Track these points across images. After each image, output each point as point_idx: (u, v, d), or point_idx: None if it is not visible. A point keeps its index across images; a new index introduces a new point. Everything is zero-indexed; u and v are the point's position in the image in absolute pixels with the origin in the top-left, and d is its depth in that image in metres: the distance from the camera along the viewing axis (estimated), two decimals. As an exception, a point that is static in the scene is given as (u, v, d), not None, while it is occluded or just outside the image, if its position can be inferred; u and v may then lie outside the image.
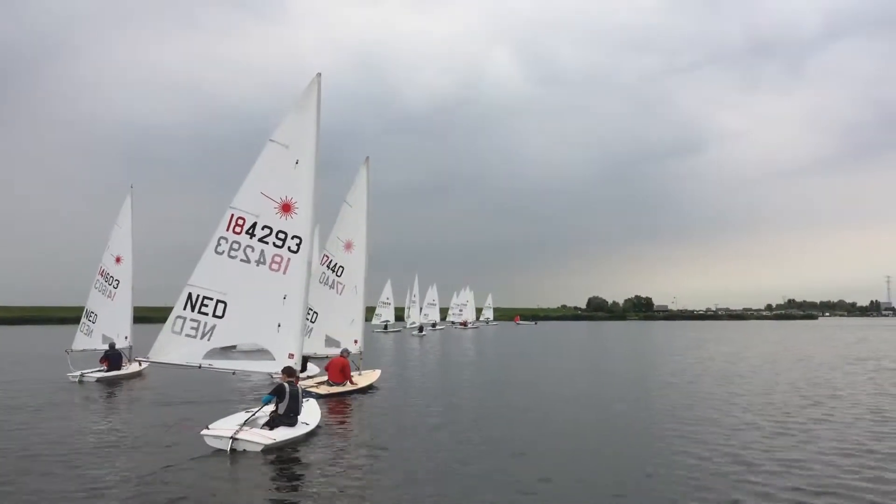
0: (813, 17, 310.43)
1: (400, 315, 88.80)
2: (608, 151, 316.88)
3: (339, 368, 20.92)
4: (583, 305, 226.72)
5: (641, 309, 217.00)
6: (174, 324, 14.09)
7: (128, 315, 28.33)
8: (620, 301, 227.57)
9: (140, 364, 14.18)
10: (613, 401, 19.91)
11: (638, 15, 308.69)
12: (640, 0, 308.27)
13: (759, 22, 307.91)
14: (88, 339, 27.60)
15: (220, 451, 12.23)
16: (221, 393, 20.70)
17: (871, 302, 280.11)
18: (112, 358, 26.10)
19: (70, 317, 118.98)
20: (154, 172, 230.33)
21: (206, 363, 14.29)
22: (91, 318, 27.82)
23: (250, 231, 14.81)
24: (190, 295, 14.22)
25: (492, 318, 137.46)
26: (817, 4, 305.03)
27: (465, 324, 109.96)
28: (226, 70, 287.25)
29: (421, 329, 77.99)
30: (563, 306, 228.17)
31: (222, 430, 12.67)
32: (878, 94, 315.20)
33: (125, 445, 13.27)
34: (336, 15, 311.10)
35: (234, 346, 19.22)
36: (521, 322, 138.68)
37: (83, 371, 24.76)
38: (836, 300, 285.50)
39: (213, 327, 14.34)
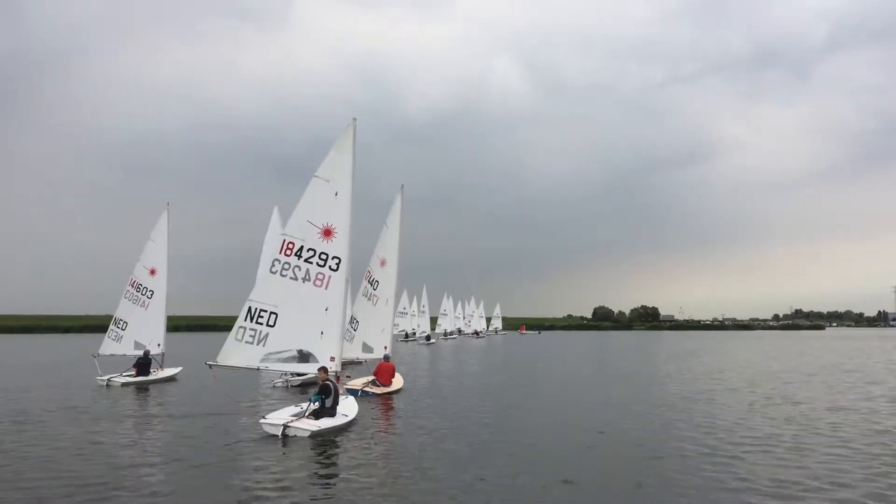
0: (818, 26, 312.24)
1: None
2: (613, 161, 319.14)
3: (389, 372, 24.34)
4: (589, 315, 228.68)
5: (648, 319, 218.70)
6: (237, 333, 16.81)
7: (161, 324, 30.59)
8: (626, 311, 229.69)
9: (210, 367, 16.73)
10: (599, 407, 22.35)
11: (641, 24, 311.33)
12: (642, 9, 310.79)
13: (763, 31, 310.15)
14: (117, 345, 29.73)
15: (273, 436, 14.89)
16: (242, 395, 23.17)
17: (879, 312, 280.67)
18: (142, 365, 28.46)
19: (75, 325, 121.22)
20: (152, 180, 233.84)
21: (262, 365, 17.08)
22: (120, 326, 29.92)
23: (298, 253, 17.51)
24: (249, 308, 16.99)
25: (500, 327, 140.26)
26: (823, 14, 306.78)
27: (477, 333, 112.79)
28: (225, 78, 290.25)
29: (428, 338, 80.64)
30: (570, 316, 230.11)
31: (276, 419, 15.42)
32: (884, 104, 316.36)
33: (187, 432, 15.89)
34: (336, 25, 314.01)
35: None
36: (525, 332, 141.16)
37: (111, 375, 27.17)
38: (843, 310, 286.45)
39: (267, 335, 17.04)
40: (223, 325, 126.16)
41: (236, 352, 16.72)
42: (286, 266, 17.40)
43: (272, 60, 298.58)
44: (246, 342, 16.82)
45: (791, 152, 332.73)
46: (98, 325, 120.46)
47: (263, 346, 16.96)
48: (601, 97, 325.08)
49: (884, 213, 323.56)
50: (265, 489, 10.74)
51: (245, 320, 16.92)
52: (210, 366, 16.65)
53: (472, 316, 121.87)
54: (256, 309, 17.02)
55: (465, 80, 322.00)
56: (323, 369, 16.85)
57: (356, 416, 17.20)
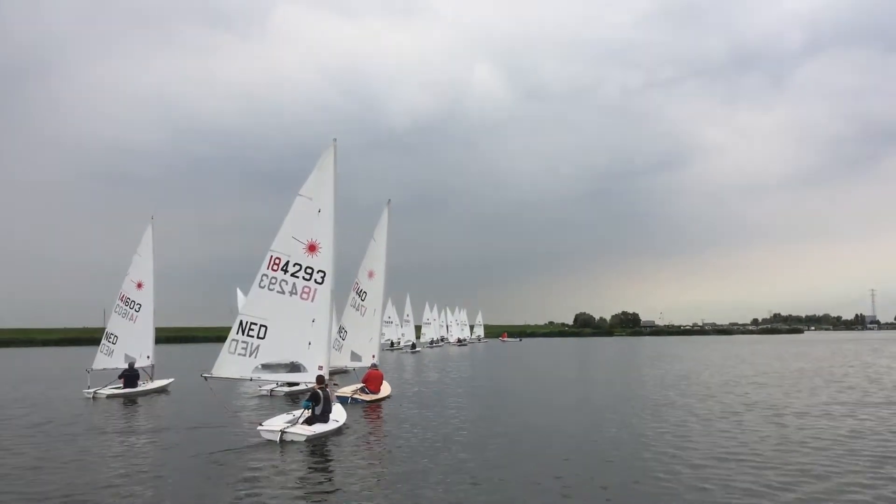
0: (794, 30, 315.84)
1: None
2: (593, 166, 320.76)
3: (378, 380, 25.34)
4: (570, 322, 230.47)
5: (628, 325, 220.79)
6: (230, 345, 17.71)
7: (150, 336, 30.98)
8: (607, 317, 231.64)
9: (206, 379, 17.61)
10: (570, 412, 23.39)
11: (619, 29, 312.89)
12: (621, 15, 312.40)
13: (740, 36, 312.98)
14: (109, 359, 29.93)
15: (271, 442, 15.86)
16: (232, 404, 24.16)
17: (856, 315, 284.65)
18: (128, 377, 28.76)
19: (52, 338, 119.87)
20: (131, 190, 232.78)
21: (254, 376, 18.04)
22: (111, 340, 30.21)
23: (284, 268, 18.44)
24: (241, 322, 17.92)
25: (482, 335, 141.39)
26: (799, 18, 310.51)
27: (460, 341, 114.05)
28: (206, 88, 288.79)
29: (413, 347, 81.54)
30: (551, 323, 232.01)
31: (273, 425, 16.39)
32: (861, 107, 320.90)
33: (184, 440, 16.74)
34: (316, 32, 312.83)
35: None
36: (507, 339, 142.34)
37: (96, 389, 27.44)
38: (821, 314, 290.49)
39: (258, 347, 17.95)
40: (202, 336, 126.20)
41: (229, 363, 17.62)
42: (273, 280, 18.32)
43: (252, 68, 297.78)
44: (238, 354, 17.71)
45: (769, 156, 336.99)
46: (76, 339, 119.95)
47: (255, 357, 17.86)
48: (581, 102, 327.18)
49: (862, 216, 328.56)
50: (269, 490, 11.58)
51: (237, 333, 17.82)
52: (206, 378, 17.50)
53: (452, 324, 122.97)
54: (247, 322, 17.93)
55: (445, 87, 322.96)
56: (318, 379, 17.84)
57: (345, 421, 18.16)
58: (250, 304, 18.19)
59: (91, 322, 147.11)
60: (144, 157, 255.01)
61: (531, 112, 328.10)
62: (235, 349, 17.70)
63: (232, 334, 17.78)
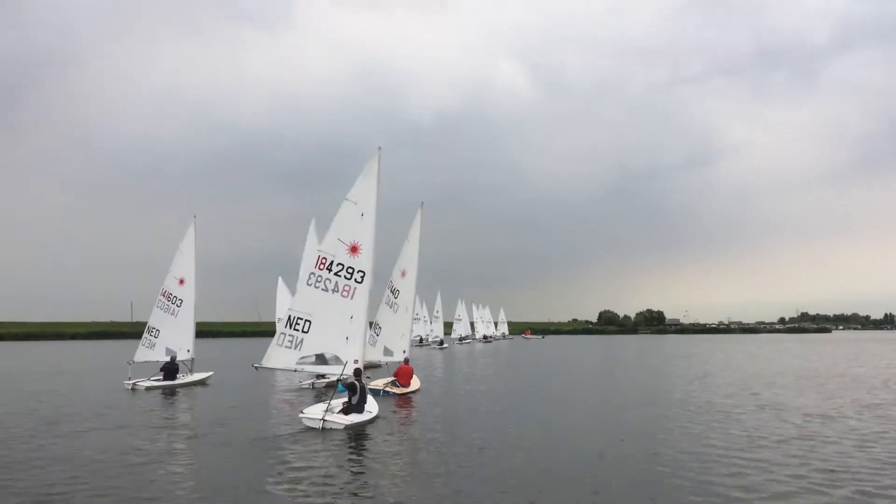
0: (824, 26, 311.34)
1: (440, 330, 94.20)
2: (619, 162, 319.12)
3: (408, 374, 26.73)
4: (594, 319, 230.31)
5: (653, 323, 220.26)
6: (278, 338, 19.17)
7: (191, 330, 32.37)
8: (632, 315, 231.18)
9: (256, 369, 19.04)
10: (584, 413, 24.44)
11: (645, 25, 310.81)
12: (646, 9, 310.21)
13: (768, 31, 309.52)
14: (151, 352, 31.27)
15: (313, 429, 17.21)
16: (271, 395, 25.73)
17: (886, 315, 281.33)
18: (169, 370, 30.14)
19: (81, 332, 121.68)
20: (153, 184, 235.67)
21: (298, 367, 19.48)
22: (153, 334, 31.49)
23: (329, 267, 19.82)
24: (290, 316, 19.37)
25: (507, 332, 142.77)
26: (828, 13, 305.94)
27: (486, 338, 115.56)
28: (228, 81, 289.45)
29: (441, 343, 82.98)
30: (575, 320, 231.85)
31: (315, 413, 17.78)
32: (891, 105, 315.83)
33: (229, 424, 18.11)
34: (341, 27, 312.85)
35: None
36: (530, 336, 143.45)
37: (136, 380, 28.71)
38: (849, 313, 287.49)
39: (302, 340, 19.37)
40: (227, 331, 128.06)
41: (277, 355, 19.09)
42: (319, 279, 19.75)
43: (276, 63, 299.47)
44: (285, 347, 19.17)
45: (797, 154, 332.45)
46: (104, 332, 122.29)
47: (299, 350, 19.31)
48: (606, 98, 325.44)
49: (891, 215, 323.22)
50: (312, 473, 12.73)
51: (285, 327, 19.31)
52: (256, 368, 18.96)
53: (477, 321, 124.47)
54: (295, 317, 19.39)
55: (469, 83, 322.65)
56: (356, 371, 19.22)
57: (378, 412, 19.47)
58: (298, 300, 19.67)
59: (118, 316, 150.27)
60: (167, 151, 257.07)
61: (556, 108, 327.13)
62: (283, 342, 19.14)
63: (280, 328, 19.26)
